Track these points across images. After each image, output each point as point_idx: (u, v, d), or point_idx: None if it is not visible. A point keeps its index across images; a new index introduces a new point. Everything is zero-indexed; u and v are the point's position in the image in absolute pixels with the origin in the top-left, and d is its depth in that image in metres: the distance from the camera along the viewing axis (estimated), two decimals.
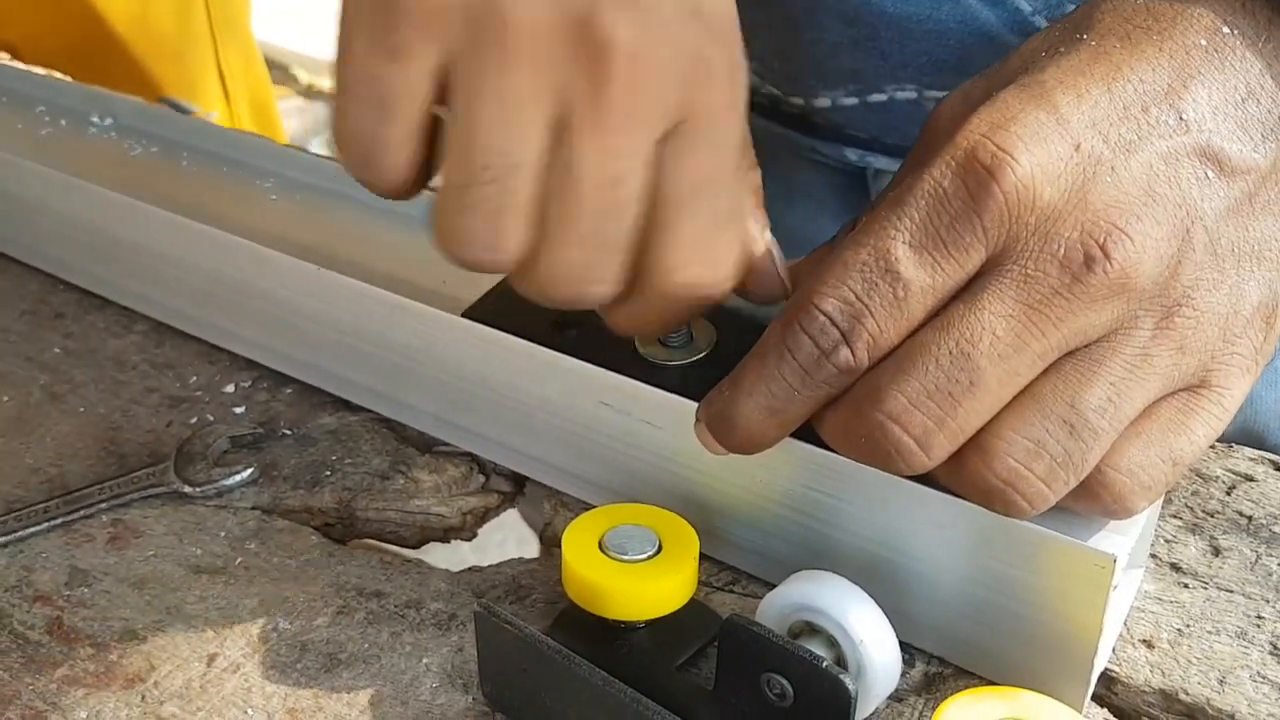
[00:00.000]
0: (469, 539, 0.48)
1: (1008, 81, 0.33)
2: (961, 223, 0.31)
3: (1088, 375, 0.31)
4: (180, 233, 0.50)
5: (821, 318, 0.32)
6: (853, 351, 0.32)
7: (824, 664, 0.32)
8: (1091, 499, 0.32)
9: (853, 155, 0.53)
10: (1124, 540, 0.33)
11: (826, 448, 0.36)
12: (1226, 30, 0.33)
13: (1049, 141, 0.31)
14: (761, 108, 0.53)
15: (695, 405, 0.39)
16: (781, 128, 0.54)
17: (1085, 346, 0.31)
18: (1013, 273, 0.31)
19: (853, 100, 0.50)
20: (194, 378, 0.52)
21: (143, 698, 0.39)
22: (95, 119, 0.59)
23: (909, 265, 0.31)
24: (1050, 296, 0.30)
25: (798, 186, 0.56)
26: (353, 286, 0.45)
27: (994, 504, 0.32)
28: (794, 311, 0.33)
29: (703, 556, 0.42)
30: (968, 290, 0.32)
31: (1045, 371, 0.31)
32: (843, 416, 0.33)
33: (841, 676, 0.32)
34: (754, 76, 0.51)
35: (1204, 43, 0.32)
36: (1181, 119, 0.32)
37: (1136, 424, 0.32)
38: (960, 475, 0.32)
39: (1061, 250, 0.30)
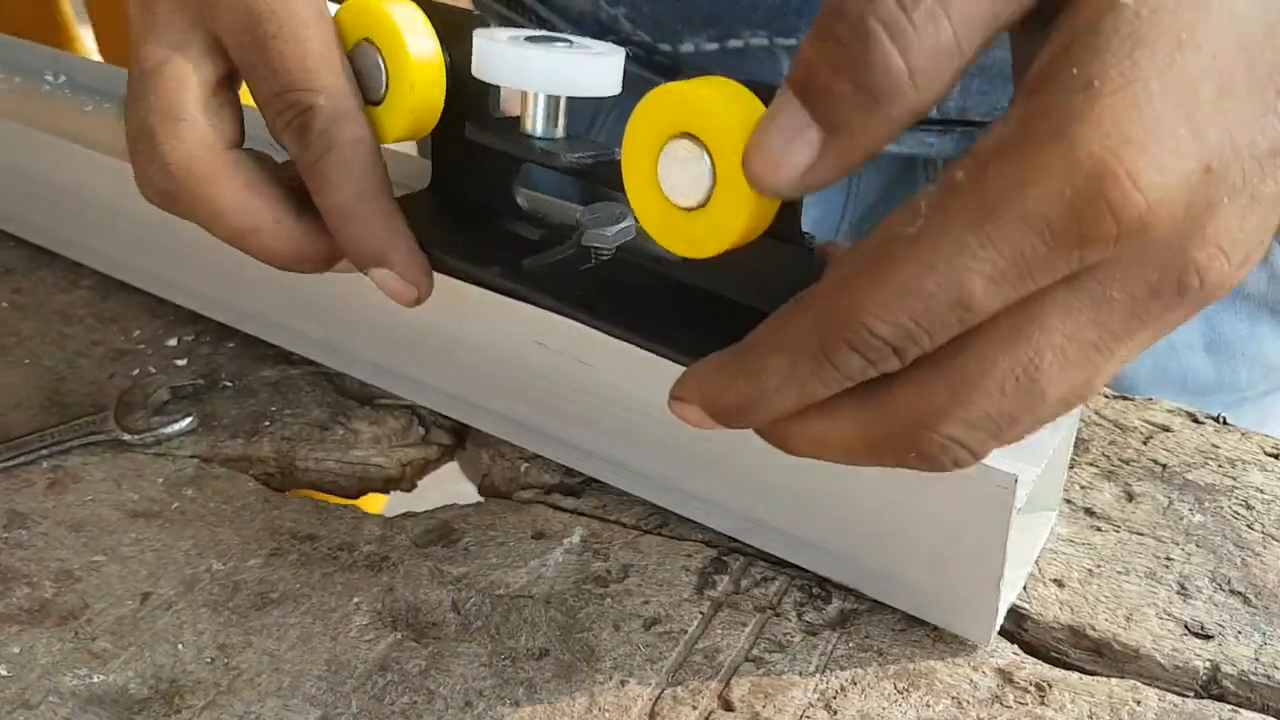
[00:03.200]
0: (408, 490, 0.49)
1: (1107, 37, 0.25)
2: (1058, 256, 0.26)
3: (1074, 367, 0.28)
4: (126, 179, 0.50)
5: (874, 340, 0.28)
6: (902, 361, 0.28)
7: None
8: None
9: None
10: (1027, 466, 0.34)
11: None
12: None
13: (1182, 160, 0.25)
14: (636, 57, 0.54)
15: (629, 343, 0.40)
16: (654, 77, 0.55)
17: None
18: (1093, 291, 0.27)
19: (714, 46, 0.51)
20: (138, 331, 0.53)
21: (75, 634, 0.39)
22: (49, 77, 0.59)
23: (983, 297, 0.26)
24: (1129, 319, 0.27)
25: None
26: None
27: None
28: (839, 325, 0.28)
29: (635, 499, 0.43)
30: (1034, 296, 0.27)
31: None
32: (880, 431, 0.29)
33: None
34: (626, 24, 0.52)
35: None
36: None
37: None
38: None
39: (1156, 276, 0.26)
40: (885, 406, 0.29)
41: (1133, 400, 0.46)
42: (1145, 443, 0.44)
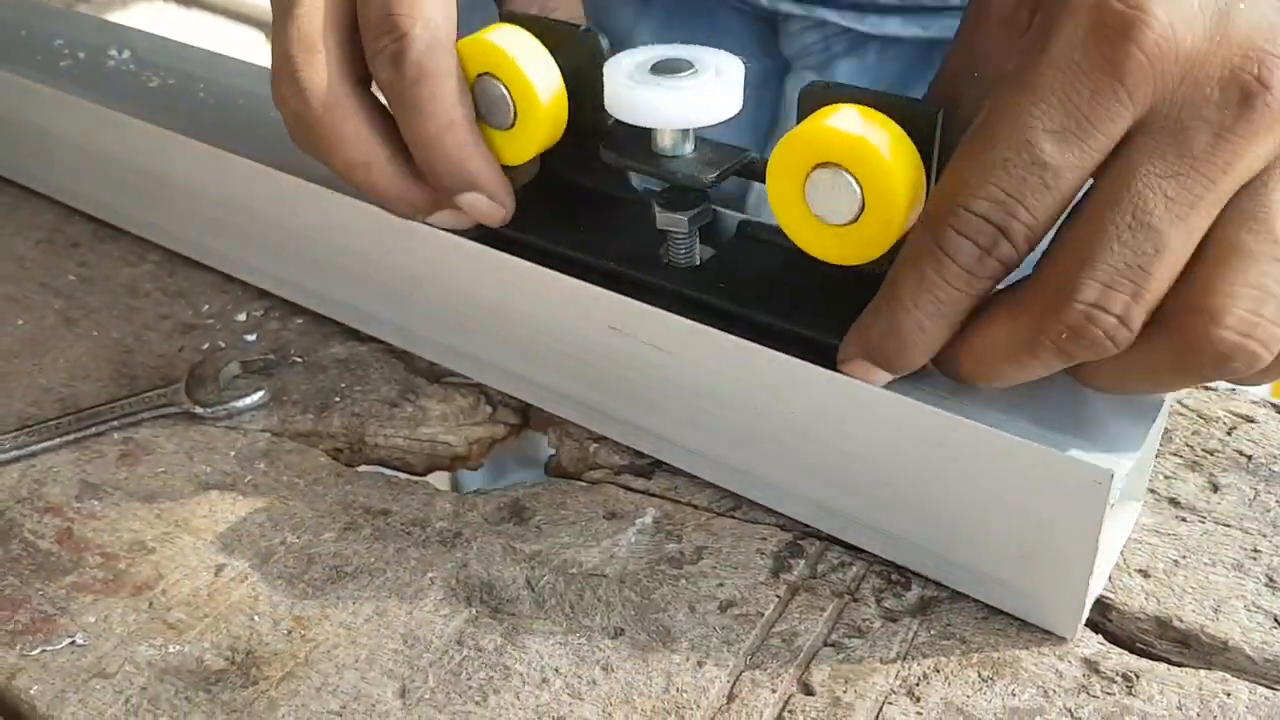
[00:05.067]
0: (475, 468, 0.49)
1: None
2: (1103, 93, 0.29)
3: (1275, 204, 0.30)
4: (193, 155, 0.51)
5: (975, 219, 0.31)
6: (1014, 244, 0.31)
7: None
8: None
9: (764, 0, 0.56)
10: (1121, 459, 0.33)
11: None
12: None
13: None
14: (734, 9, 0.56)
15: (702, 328, 0.39)
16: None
17: (1256, 178, 0.30)
18: (1167, 128, 0.29)
19: None
20: (206, 306, 0.53)
21: (150, 604, 0.39)
22: (113, 52, 0.60)
23: (1054, 152, 0.30)
24: (1214, 143, 0.29)
25: (719, 30, 0.59)
26: (360, 208, 0.46)
27: (1234, 362, 0.30)
28: (942, 217, 0.32)
29: (706, 482, 0.43)
30: (1121, 155, 0.30)
31: (1226, 217, 0.30)
32: (1027, 321, 0.32)
33: None
34: None
35: None
36: None
37: None
38: (1184, 346, 0.31)
39: (1215, 93, 0.29)
40: (1028, 293, 0.32)
41: (1215, 390, 0.45)
42: (1229, 433, 0.43)
